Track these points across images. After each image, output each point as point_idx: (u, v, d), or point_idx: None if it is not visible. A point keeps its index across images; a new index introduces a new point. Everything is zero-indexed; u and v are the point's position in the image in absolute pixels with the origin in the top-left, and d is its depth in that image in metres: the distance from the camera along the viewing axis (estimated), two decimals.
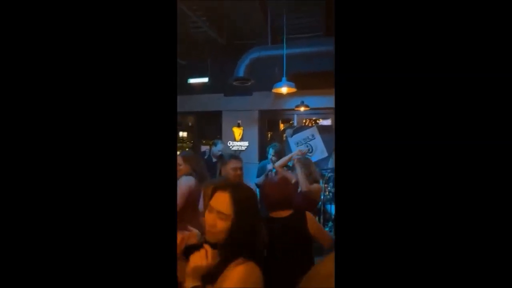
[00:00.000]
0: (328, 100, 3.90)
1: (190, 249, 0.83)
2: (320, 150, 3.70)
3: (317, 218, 2.66)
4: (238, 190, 0.88)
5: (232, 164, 1.77)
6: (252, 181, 3.08)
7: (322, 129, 3.76)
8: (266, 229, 1.36)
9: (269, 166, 2.94)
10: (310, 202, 2.22)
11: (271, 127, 4.72)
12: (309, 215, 1.45)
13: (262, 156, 4.11)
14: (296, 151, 2.80)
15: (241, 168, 1.80)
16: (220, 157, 3.25)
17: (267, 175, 2.88)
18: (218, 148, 3.38)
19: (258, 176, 3.09)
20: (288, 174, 2.38)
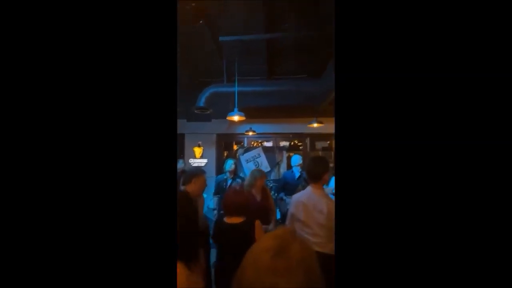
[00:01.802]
0: (270, 127, 4.65)
1: None
2: (264, 166, 4.42)
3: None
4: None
5: (203, 177, 1.95)
6: (210, 193, 3.43)
7: (266, 149, 4.48)
8: (218, 233, 1.48)
9: (226, 176, 3.27)
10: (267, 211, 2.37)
11: (226, 147, 5.27)
12: (257, 223, 1.56)
13: (219, 170, 4.64)
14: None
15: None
16: (184, 172, 3.80)
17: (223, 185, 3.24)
18: (179, 165, 3.90)
19: (216, 190, 3.34)
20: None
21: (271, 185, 3.97)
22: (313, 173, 1.76)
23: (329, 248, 1.63)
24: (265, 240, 0.62)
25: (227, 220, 1.58)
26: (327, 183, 1.82)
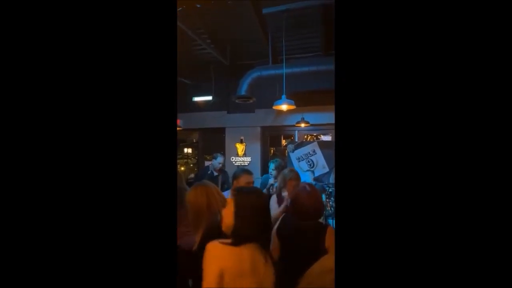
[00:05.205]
0: (328, 116, 4.01)
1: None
2: (321, 165, 3.78)
3: None
4: (254, 195, 1.05)
5: (245, 178, 1.87)
6: None
7: (323, 145, 3.83)
8: (292, 237, 1.47)
9: (271, 181, 2.96)
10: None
11: (273, 142, 4.84)
12: (330, 229, 1.48)
13: (265, 170, 4.16)
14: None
15: (253, 182, 1.92)
16: (221, 170, 3.32)
17: (268, 189, 2.90)
18: (218, 161, 3.38)
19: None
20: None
21: (330, 190, 3.37)
22: None
23: None
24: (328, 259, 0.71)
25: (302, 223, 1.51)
26: None
